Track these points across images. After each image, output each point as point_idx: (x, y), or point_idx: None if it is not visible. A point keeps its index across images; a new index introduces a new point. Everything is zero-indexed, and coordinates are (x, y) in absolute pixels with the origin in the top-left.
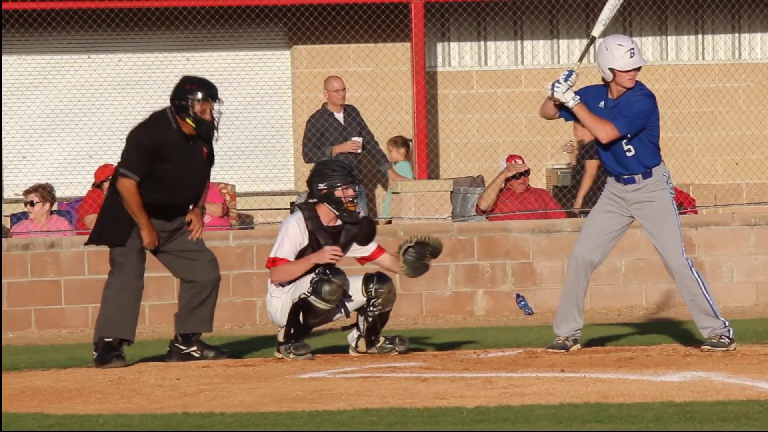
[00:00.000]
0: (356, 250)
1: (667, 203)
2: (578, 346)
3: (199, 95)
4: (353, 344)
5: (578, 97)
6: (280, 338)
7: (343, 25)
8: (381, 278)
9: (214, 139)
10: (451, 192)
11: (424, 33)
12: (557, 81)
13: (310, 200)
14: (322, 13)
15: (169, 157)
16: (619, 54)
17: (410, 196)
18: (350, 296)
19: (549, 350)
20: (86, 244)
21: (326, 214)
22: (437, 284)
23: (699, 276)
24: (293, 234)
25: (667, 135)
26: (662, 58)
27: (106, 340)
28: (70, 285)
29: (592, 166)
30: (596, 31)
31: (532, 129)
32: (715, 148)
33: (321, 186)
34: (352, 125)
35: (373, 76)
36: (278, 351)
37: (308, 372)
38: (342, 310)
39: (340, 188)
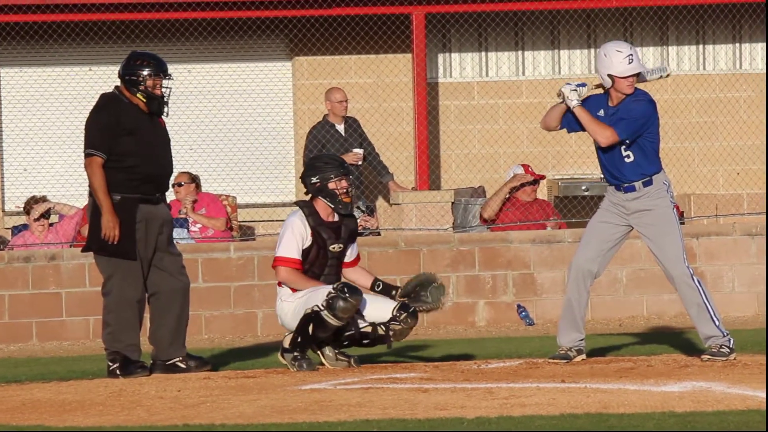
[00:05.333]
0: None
1: (668, 211)
2: (583, 356)
3: (150, 70)
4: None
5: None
6: (286, 344)
7: (345, 37)
8: (415, 314)
9: (164, 114)
10: (452, 203)
11: (426, 44)
12: (567, 83)
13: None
14: (323, 24)
15: (132, 129)
16: (617, 60)
17: (411, 207)
18: (363, 316)
19: (551, 360)
20: (83, 251)
21: (324, 209)
22: None
23: (701, 285)
24: (298, 230)
25: (668, 145)
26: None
27: (123, 353)
28: (71, 297)
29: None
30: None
31: (534, 140)
32: (716, 158)
33: (314, 180)
34: (353, 137)
35: (375, 88)
36: (282, 356)
37: (309, 383)
38: (353, 329)
39: (333, 180)
